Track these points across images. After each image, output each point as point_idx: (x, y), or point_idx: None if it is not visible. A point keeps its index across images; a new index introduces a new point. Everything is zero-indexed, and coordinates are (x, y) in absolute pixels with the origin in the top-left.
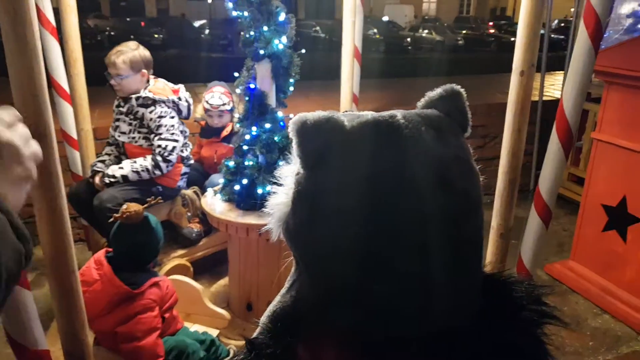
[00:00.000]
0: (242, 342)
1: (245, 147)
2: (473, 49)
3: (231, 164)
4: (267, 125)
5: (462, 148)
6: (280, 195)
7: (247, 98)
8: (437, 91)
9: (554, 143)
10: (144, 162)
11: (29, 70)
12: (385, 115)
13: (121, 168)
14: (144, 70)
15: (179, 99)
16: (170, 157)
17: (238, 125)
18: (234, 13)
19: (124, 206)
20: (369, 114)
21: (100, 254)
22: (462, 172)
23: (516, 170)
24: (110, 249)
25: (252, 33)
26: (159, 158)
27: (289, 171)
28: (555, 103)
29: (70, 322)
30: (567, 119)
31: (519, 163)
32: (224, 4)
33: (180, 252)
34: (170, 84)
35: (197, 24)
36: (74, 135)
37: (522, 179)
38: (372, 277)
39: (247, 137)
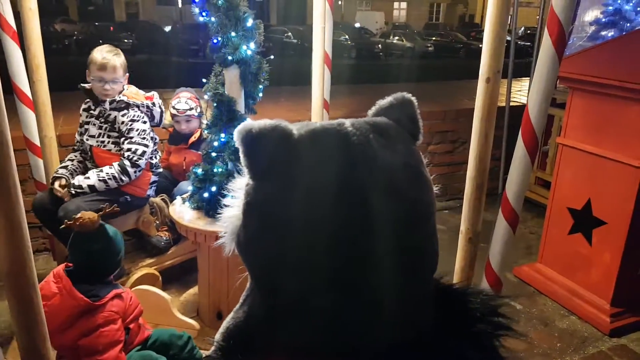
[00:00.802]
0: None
1: (213, 154)
2: (442, 55)
3: (199, 171)
4: (235, 131)
5: (412, 156)
6: (232, 208)
7: (215, 104)
8: (388, 99)
9: (519, 148)
10: (110, 169)
11: None
12: (334, 124)
13: (87, 178)
14: (127, 74)
15: (153, 104)
16: (139, 162)
17: (206, 131)
18: (201, 18)
19: (79, 214)
20: (317, 123)
21: (60, 268)
22: (411, 180)
23: (483, 174)
24: (70, 264)
25: (219, 38)
26: (127, 162)
27: (242, 183)
28: (521, 109)
29: (31, 337)
30: (533, 124)
31: (486, 168)
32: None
33: (149, 260)
34: (142, 91)
35: (167, 28)
36: (37, 143)
37: (491, 183)
38: (317, 290)
39: (216, 143)
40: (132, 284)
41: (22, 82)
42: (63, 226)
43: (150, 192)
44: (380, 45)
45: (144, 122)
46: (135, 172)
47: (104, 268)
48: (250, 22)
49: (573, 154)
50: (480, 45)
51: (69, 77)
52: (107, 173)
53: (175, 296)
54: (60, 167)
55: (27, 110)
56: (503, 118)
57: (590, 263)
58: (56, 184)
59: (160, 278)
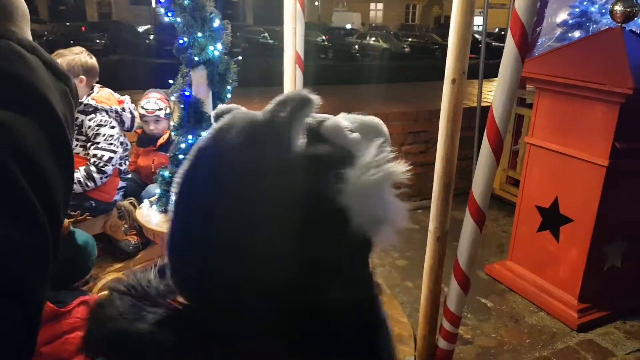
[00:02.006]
0: None
1: (181, 156)
2: (418, 56)
3: (167, 173)
4: (204, 134)
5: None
6: None
7: (182, 106)
8: (281, 97)
9: (485, 147)
10: (76, 174)
11: None
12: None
13: None
14: (82, 77)
15: (123, 109)
16: (105, 168)
17: (174, 133)
18: (167, 19)
19: None
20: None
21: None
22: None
23: (450, 174)
24: None
25: (185, 39)
26: (92, 168)
27: None
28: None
29: None
30: (497, 124)
31: (452, 168)
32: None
33: (117, 265)
34: (116, 95)
35: (141, 29)
36: None
37: (463, 183)
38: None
39: (183, 145)
40: (99, 289)
41: None
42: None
43: (118, 197)
44: (357, 46)
45: (112, 127)
46: (101, 178)
47: (72, 275)
48: (217, 23)
49: (540, 153)
50: None
51: None
52: (79, 173)
53: None
54: None
55: None
56: (474, 119)
57: (558, 260)
58: None
59: None
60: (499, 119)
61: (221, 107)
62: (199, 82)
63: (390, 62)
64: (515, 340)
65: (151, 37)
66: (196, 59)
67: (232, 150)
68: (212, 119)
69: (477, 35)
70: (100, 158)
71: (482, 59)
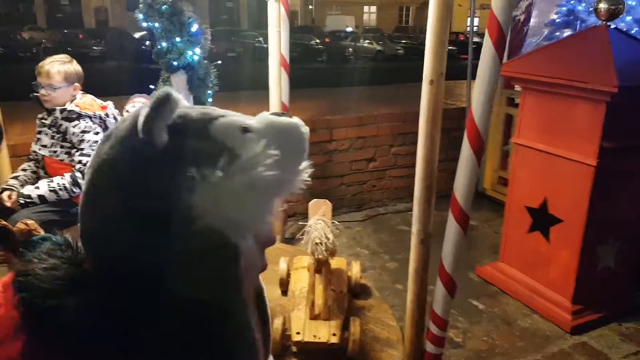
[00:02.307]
0: None
1: None
2: (412, 57)
3: None
4: None
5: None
6: None
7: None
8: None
9: (465, 149)
10: (62, 180)
11: None
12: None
13: (37, 188)
14: (77, 84)
15: (107, 115)
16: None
17: None
18: (145, 24)
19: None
20: None
21: (7, 277)
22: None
23: (431, 176)
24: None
25: (164, 44)
26: (78, 174)
27: None
28: None
29: None
30: (477, 124)
31: (433, 169)
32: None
33: None
34: (99, 100)
35: (137, 35)
36: None
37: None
38: None
39: None
40: None
41: None
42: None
43: None
44: (350, 49)
45: (96, 134)
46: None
47: None
48: (195, 28)
49: (528, 153)
50: (450, 48)
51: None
52: (58, 184)
53: None
54: (11, 178)
55: None
56: (463, 120)
57: (550, 261)
58: (4, 195)
59: None
60: (478, 119)
61: (161, 92)
62: (179, 87)
63: (384, 64)
64: (507, 343)
65: (147, 42)
66: (175, 63)
67: (116, 141)
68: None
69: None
70: (85, 164)
71: (470, 60)
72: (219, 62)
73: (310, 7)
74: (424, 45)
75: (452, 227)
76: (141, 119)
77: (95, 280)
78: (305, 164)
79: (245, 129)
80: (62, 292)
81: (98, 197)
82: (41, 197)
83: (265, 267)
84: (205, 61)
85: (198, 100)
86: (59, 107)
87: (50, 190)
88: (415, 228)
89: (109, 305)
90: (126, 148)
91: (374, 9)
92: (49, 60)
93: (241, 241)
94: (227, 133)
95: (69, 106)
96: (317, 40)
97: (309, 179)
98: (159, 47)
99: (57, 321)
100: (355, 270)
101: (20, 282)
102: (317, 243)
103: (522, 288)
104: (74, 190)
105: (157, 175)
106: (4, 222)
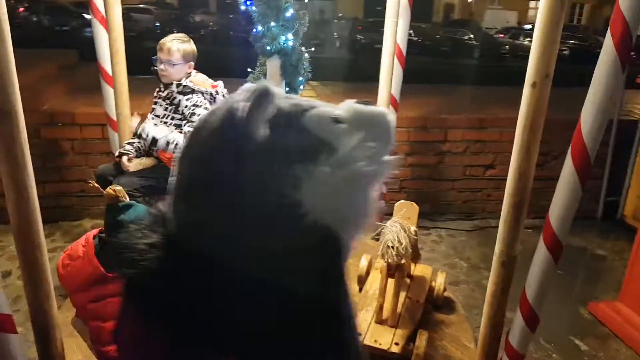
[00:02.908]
0: None
1: None
2: (577, 59)
3: None
4: None
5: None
6: None
7: None
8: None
9: (567, 167)
10: (177, 136)
11: None
12: None
13: (156, 127)
14: (192, 63)
15: (217, 92)
16: None
17: None
18: (243, 7)
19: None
20: None
21: (92, 233)
22: None
23: (524, 192)
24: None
25: (260, 28)
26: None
27: None
28: (634, 124)
29: (35, 293)
30: (585, 140)
31: (527, 185)
32: None
33: None
34: (210, 80)
35: None
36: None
37: (589, 205)
38: None
39: None
40: None
41: (106, 63)
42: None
43: None
44: (507, 46)
45: (206, 109)
46: None
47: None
48: (290, 12)
49: None
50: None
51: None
52: (174, 138)
53: None
54: (127, 143)
55: (110, 90)
56: (609, 133)
57: None
58: (124, 159)
59: None
60: (587, 134)
61: (250, 85)
62: (272, 72)
63: None
64: None
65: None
66: (268, 48)
67: (210, 134)
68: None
69: None
70: None
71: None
72: (313, 49)
73: (469, 0)
74: (594, 46)
75: (541, 253)
76: (241, 113)
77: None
78: (391, 155)
79: (336, 120)
80: (159, 272)
81: (195, 192)
82: (154, 139)
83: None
84: (300, 47)
85: (290, 86)
86: (176, 82)
87: (164, 139)
88: (498, 248)
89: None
90: (224, 142)
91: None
92: (170, 37)
93: (345, 235)
94: (320, 125)
95: (184, 82)
96: (471, 35)
97: (396, 173)
98: (255, 30)
99: (154, 298)
100: (439, 281)
101: (118, 254)
102: (389, 246)
103: None
104: (175, 150)
105: (259, 170)
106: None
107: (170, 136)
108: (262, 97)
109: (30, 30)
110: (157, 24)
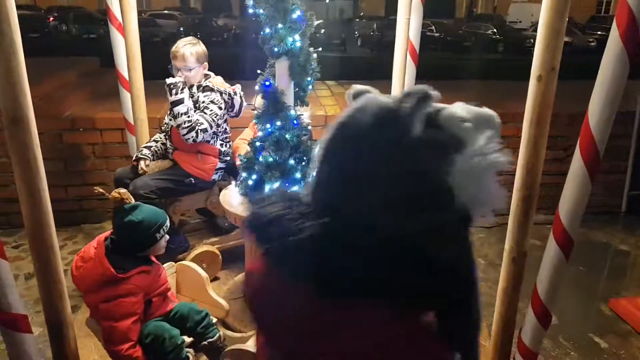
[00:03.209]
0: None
1: (258, 143)
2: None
3: (245, 158)
4: (278, 123)
5: None
6: None
7: (261, 95)
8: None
9: (576, 161)
10: (197, 117)
11: (6, 59)
12: None
13: (182, 98)
14: (206, 63)
15: (235, 93)
16: (197, 133)
17: (254, 121)
18: (250, 10)
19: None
20: None
21: (103, 235)
22: None
23: (532, 187)
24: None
25: (267, 30)
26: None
27: None
28: None
29: (48, 292)
30: (593, 133)
31: (535, 179)
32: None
33: (213, 239)
34: (227, 84)
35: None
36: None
37: (613, 200)
38: None
39: (261, 133)
40: (192, 258)
41: (124, 69)
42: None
43: (216, 177)
44: (532, 40)
45: (220, 108)
46: (187, 137)
47: (133, 244)
48: (296, 14)
49: None
50: None
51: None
52: (193, 116)
53: (230, 277)
54: (144, 147)
55: (127, 95)
56: (632, 125)
57: None
58: (142, 164)
59: (220, 257)
60: (595, 126)
61: (357, 87)
62: (281, 73)
63: (569, 58)
64: None
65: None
66: (276, 49)
67: (364, 128)
68: (349, 98)
69: None
70: (200, 123)
71: None
72: (320, 49)
73: None
74: None
75: (551, 249)
76: (404, 110)
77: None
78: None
79: (462, 119)
80: (312, 237)
81: (349, 182)
82: (177, 101)
83: None
84: (308, 48)
85: (299, 87)
86: (196, 84)
87: (184, 111)
88: (507, 245)
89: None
90: (383, 135)
91: None
92: (181, 44)
93: (476, 214)
94: (453, 123)
95: (205, 82)
96: (494, 30)
97: None
98: (263, 33)
99: (303, 260)
100: None
101: (269, 224)
102: None
103: None
104: (184, 130)
105: (419, 162)
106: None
107: (190, 113)
108: (424, 98)
109: (60, 39)
110: (182, 28)
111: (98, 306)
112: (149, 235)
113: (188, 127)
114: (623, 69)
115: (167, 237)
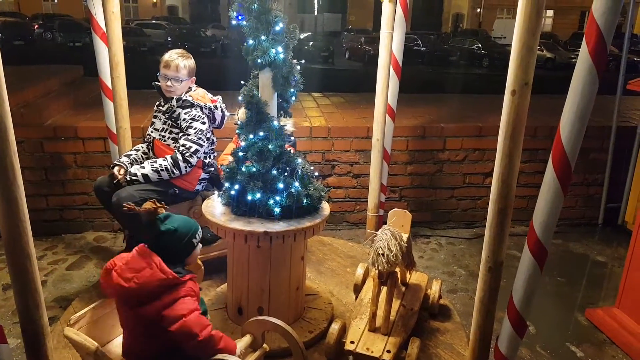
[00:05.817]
0: None
1: (240, 154)
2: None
3: (227, 168)
4: (262, 134)
5: None
6: None
7: (246, 106)
8: None
9: (549, 173)
10: (164, 162)
11: None
12: None
13: (142, 167)
14: (194, 77)
15: (215, 107)
16: (190, 159)
17: (237, 131)
18: (234, 22)
19: (144, 204)
20: None
21: (139, 246)
22: None
23: (507, 198)
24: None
25: (251, 42)
26: (179, 157)
27: None
28: (632, 131)
29: (25, 301)
30: (564, 146)
31: (510, 191)
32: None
33: None
34: (210, 94)
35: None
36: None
37: (591, 212)
38: None
39: (244, 143)
40: None
41: (107, 78)
42: (125, 209)
43: (199, 187)
44: None
45: (203, 123)
46: (186, 167)
47: (174, 251)
48: (279, 26)
49: None
50: (636, 59)
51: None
52: (160, 165)
53: (212, 287)
54: (124, 155)
55: (110, 104)
56: (608, 139)
57: None
58: (116, 170)
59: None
60: (566, 139)
61: None
62: (264, 84)
63: (551, 73)
64: None
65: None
66: (259, 61)
67: None
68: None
69: None
70: (188, 149)
71: (622, 72)
72: (303, 61)
73: (478, 10)
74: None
75: (526, 259)
76: None
77: None
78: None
79: None
80: None
81: None
82: (145, 176)
83: None
84: (291, 60)
85: (282, 98)
86: (176, 97)
87: (153, 170)
88: (484, 254)
89: None
90: None
91: (550, 12)
92: (175, 55)
93: None
94: None
95: (184, 96)
96: (479, 44)
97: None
98: (246, 44)
99: None
100: (434, 289)
101: None
102: (379, 254)
103: (637, 342)
104: (174, 171)
105: None
106: (132, 206)
107: (155, 165)
108: None
109: (45, 47)
110: (169, 38)
111: (161, 315)
112: (187, 242)
113: (171, 167)
114: (592, 84)
115: (201, 245)
